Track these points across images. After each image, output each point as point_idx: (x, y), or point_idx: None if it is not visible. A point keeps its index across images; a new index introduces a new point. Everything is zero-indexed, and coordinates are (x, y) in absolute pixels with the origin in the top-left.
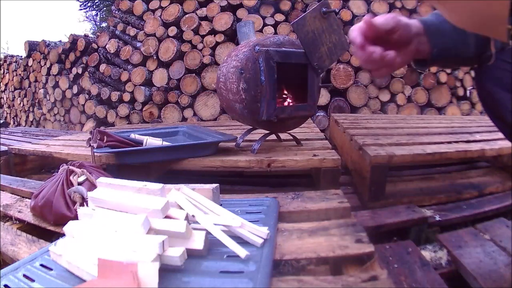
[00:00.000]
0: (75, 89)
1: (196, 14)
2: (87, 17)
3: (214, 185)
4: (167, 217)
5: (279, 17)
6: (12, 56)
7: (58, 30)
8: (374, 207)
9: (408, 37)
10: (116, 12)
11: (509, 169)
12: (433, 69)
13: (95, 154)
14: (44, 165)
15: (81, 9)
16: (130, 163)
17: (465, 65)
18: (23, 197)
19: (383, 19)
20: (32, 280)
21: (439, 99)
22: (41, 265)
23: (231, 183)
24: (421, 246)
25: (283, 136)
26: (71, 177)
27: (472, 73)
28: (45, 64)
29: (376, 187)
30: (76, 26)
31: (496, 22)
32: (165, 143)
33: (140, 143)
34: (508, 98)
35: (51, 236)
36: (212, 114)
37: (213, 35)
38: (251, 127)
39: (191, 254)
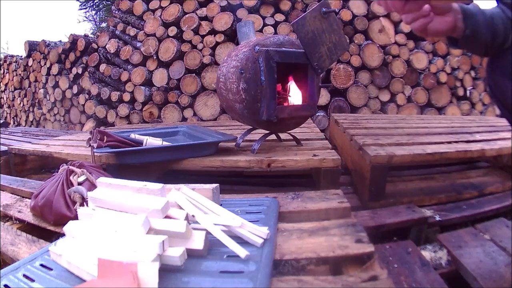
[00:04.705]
0: (75, 89)
1: (196, 14)
2: (86, 17)
3: (214, 185)
4: (167, 217)
5: (279, 17)
6: (12, 56)
7: (58, 30)
8: (374, 207)
9: (446, 8)
10: (116, 12)
11: (509, 169)
12: (433, 69)
13: (95, 154)
14: (44, 165)
15: (81, 9)
16: (130, 163)
17: (488, 54)
18: (23, 197)
19: None
20: (32, 280)
21: (439, 99)
22: (41, 265)
23: (231, 183)
24: (421, 246)
25: (283, 136)
26: (71, 177)
27: (472, 73)
28: (45, 64)
29: (376, 187)
30: (76, 26)
31: None
32: (165, 143)
33: (140, 143)
34: None
35: (51, 236)
36: (212, 114)
37: (213, 35)
38: (251, 127)
39: (191, 254)
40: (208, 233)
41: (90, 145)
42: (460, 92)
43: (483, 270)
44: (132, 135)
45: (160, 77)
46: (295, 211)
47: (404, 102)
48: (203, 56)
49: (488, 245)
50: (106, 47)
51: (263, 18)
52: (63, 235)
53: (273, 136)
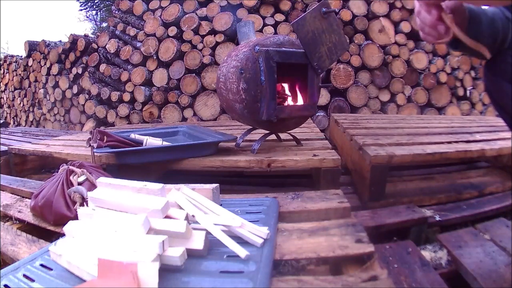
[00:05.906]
0: (75, 89)
1: (196, 14)
2: (87, 17)
3: (214, 185)
4: (167, 217)
5: (279, 17)
6: (12, 56)
7: (58, 30)
8: (374, 207)
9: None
10: (116, 12)
11: (509, 169)
12: (433, 69)
13: (95, 154)
14: (44, 165)
15: (81, 9)
16: (130, 163)
17: (487, 57)
18: (23, 197)
19: None
20: (32, 280)
21: (439, 99)
22: (41, 265)
23: (231, 183)
24: (421, 246)
25: (283, 136)
26: (71, 177)
27: (472, 73)
28: (45, 64)
29: (376, 187)
30: (76, 26)
31: None
32: (165, 143)
33: (140, 143)
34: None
35: (51, 236)
36: (212, 114)
37: (213, 35)
38: (251, 127)
39: (191, 254)
40: (208, 233)
41: (90, 145)
42: (460, 92)
43: (483, 270)
44: (132, 135)
45: (160, 77)
46: (295, 211)
47: (404, 102)
48: (203, 56)
49: (488, 245)
50: (106, 47)
51: (263, 18)
52: (63, 235)
53: (273, 136)
